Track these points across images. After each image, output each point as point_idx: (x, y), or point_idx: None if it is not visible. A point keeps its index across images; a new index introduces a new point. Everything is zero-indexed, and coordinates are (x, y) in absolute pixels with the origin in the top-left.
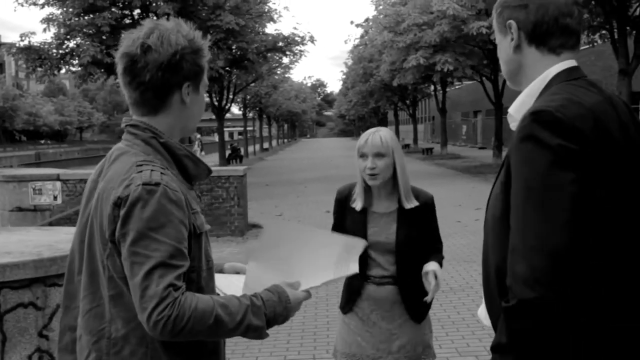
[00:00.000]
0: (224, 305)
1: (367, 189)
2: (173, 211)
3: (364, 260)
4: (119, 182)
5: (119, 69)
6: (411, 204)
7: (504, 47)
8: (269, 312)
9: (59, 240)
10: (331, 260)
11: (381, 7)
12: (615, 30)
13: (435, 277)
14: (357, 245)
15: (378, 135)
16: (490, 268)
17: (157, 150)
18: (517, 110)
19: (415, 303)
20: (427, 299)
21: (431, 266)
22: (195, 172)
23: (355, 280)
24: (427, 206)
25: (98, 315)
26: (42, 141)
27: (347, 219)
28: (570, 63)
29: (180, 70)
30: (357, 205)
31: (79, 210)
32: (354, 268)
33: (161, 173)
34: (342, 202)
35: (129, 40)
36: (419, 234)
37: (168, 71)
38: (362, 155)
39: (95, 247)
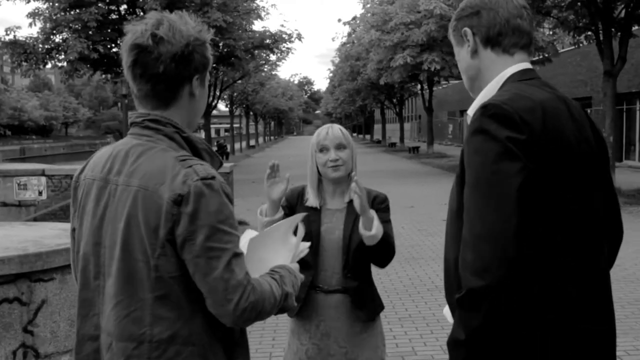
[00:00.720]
0: (270, 281)
1: (321, 187)
2: (228, 202)
3: (313, 262)
4: (168, 178)
5: (128, 61)
6: None
7: (463, 56)
8: (288, 282)
9: (44, 236)
10: (287, 246)
11: (369, 5)
12: (601, 31)
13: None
14: (297, 218)
15: (337, 128)
16: (450, 262)
17: (181, 145)
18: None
19: (362, 310)
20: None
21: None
22: (211, 164)
23: (304, 289)
24: (379, 200)
25: (137, 320)
26: (27, 136)
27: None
28: (525, 65)
29: (191, 62)
30: (312, 203)
31: (64, 206)
32: (304, 245)
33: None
34: (294, 200)
35: (135, 32)
36: None
37: (181, 63)
38: (322, 149)
39: (135, 248)
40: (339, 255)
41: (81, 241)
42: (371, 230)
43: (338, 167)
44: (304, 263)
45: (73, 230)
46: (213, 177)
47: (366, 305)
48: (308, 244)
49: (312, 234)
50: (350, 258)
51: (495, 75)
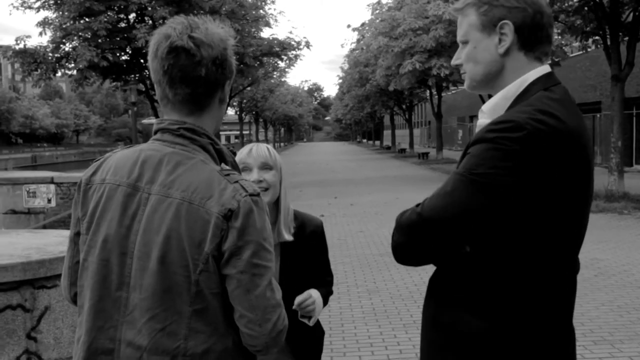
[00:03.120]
0: None
1: None
2: (268, 220)
3: None
4: (216, 193)
5: (164, 64)
6: (290, 235)
7: (487, 47)
8: None
9: (47, 243)
10: None
11: (377, 11)
12: (608, 36)
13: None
14: None
15: (264, 146)
16: None
17: (213, 156)
18: (490, 110)
19: (305, 353)
20: (310, 323)
21: (307, 292)
22: None
23: None
24: (316, 236)
25: (172, 334)
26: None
27: None
28: (547, 69)
29: (227, 66)
30: None
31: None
32: None
33: None
34: None
35: (169, 36)
36: (307, 271)
37: (220, 67)
38: (245, 169)
39: (174, 262)
40: None
41: (93, 248)
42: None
43: (265, 191)
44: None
45: (77, 234)
46: (259, 194)
47: (307, 347)
48: None
49: None
50: (285, 304)
51: (517, 78)
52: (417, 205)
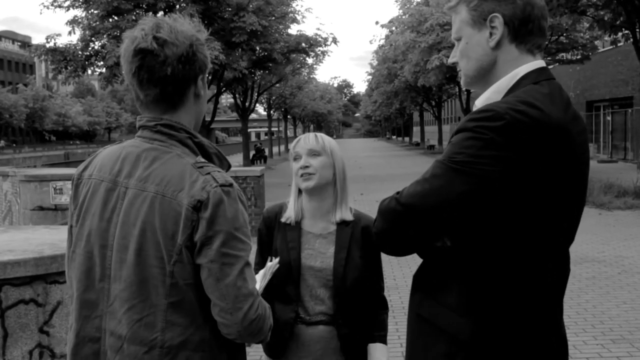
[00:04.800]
0: (266, 304)
1: (299, 201)
2: (243, 210)
3: (295, 294)
4: (186, 185)
5: (132, 67)
6: (348, 217)
7: (478, 41)
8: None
9: (62, 239)
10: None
11: (406, 6)
12: (638, 30)
13: None
14: (269, 266)
15: (313, 134)
16: None
17: (193, 150)
18: (482, 104)
19: (354, 347)
20: None
21: (377, 357)
22: (221, 168)
23: (283, 319)
24: (368, 231)
25: (149, 325)
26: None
27: (276, 239)
28: (540, 63)
29: (195, 62)
30: (290, 219)
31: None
32: (273, 262)
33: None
34: (272, 220)
35: (134, 38)
36: (360, 262)
37: (187, 63)
38: (296, 157)
39: (150, 254)
40: (323, 285)
41: (80, 241)
42: None
43: (309, 176)
44: (285, 297)
45: (71, 227)
46: (231, 185)
47: (356, 341)
48: (277, 259)
49: (291, 263)
50: (342, 295)
51: (509, 71)
52: (398, 193)
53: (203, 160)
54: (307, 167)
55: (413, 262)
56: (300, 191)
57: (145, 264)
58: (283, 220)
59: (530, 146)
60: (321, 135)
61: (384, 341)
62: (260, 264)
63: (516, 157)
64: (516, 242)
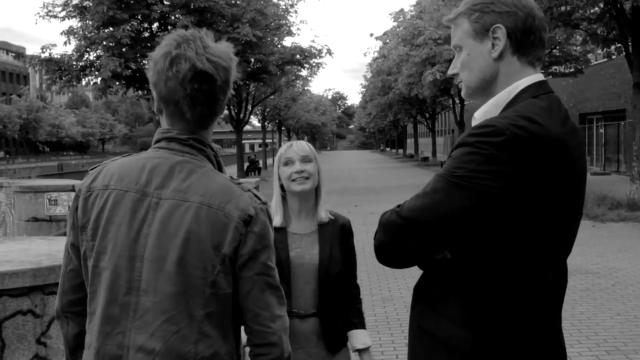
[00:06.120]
0: None
1: (285, 206)
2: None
3: (287, 290)
4: (234, 198)
5: (188, 88)
6: (327, 217)
7: (480, 53)
8: None
9: (59, 250)
10: None
11: (401, 19)
12: (630, 43)
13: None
14: None
15: (303, 142)
16: None
17: (215, 166)
18: (482, 117)
19: (335, 336)
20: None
21: (361, 340)
22: None
23: None
24: (345, 229)
25: (185, 337)
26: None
27: None
28: (539, 77)
29: (230, 83)
30: (276, 221)
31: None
32: None
33: None
34: None
35: (184, 58)
36: (341, 257)
37: (229, 85)
38: (287, 163)
39: (192, 264)
40: (312, 280)
41: (103, 254)
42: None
43: (304, 180)
44: None
45: (73, 245)
46: (267, 203)
47: (340, 328)
48: None
49: (282, 263)
50: (326, 287)
51: (510, 83)
52: (399, 206)
53: (235, 178)
54: (302, 171)
55: (409, 274)
56: (284, 195)
57: (187, 273)
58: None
59: (530, 161)
60: (308, 143)
61: (364, 326)
62: None
63: (516, 172)
64: (516, 255)
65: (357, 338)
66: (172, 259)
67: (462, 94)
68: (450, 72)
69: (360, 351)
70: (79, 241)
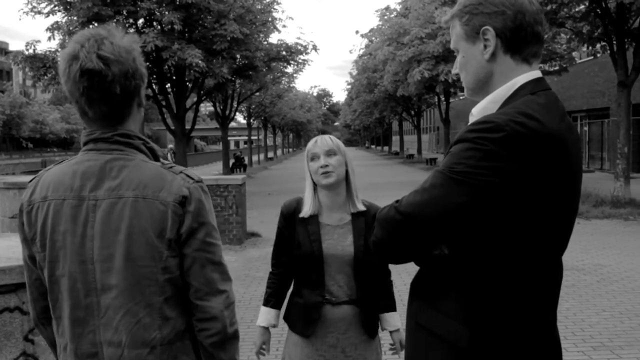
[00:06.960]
0: None
1: (316, 197)
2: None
3: (320, 279)
4: (166, 184)
5: (79, 87)
6: (361, 207)
7: (473, 55)
8: None
9: None
10: None
11: (386, 17)
12: (614, 42)
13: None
14: None
15: (327, 136)
16: None
17: (146, 154)
18: (479, 113)
19: (371, 320)
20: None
21: (391, 322)
22: None
23: (311, 302)
24: None
25: (147, 325)
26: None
27: (298, 233)
28: (537, 74)
29: (138, 74)
30: (307, 214)
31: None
32: None
33: None
34: (291, 215)
35: (74, 57)
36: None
37: (132, 78)
38: (313, 158)
39: (140, 256)
40: (344, 269)
41: (56, 262)
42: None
43: (329, 173)
44: (311, 283)
45: (30, 257)
46: (202, 180)
47: (373, 315)
48: None
49: (315, 254)
50: (362, 277)
51: (506, 82)
52: (397, 202)
53: (167, 162)
54: (326, 165)
55: (404, 270)
56: (315, 188)
57: (136, 266)
58: (302, 215)
59: (529, 157)
60: (332, 137)
61: (395, 308)
62: (280, 256)
63: (515, 168)
64: (513, 250)
65: (388, 321)
66: (119, 256)
67: (465, 92)
68: (453, 71)
69: (391, 332)
70: (33, 253)
